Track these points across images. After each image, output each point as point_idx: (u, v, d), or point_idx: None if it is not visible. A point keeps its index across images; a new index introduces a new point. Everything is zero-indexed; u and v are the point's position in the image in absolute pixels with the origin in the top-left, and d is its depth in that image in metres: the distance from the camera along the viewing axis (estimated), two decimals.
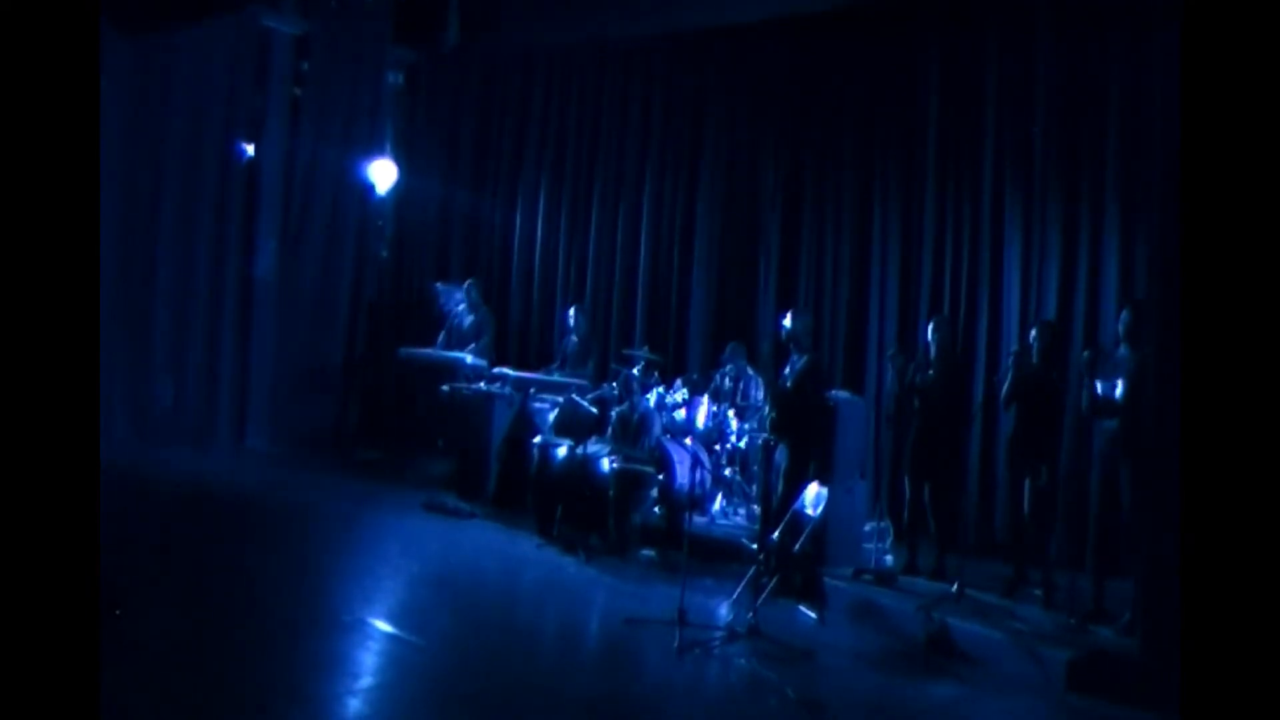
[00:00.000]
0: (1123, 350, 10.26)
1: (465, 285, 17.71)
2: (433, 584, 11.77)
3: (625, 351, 15.82)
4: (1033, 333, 11.46)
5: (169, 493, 14.52)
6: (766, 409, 12.82)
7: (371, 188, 19.19)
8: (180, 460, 16.59)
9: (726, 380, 14.33)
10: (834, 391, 12.94)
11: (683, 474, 12.99)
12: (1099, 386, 10.29)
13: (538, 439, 14.29)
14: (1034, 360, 11.17)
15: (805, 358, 12.36)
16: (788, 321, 12.82)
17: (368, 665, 9.03)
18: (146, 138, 16.99)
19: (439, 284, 18.69)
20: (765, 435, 12.78)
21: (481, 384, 16.01)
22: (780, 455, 12.26)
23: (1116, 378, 10.11)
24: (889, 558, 12.23)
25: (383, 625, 9.83)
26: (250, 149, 18.27)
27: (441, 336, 17.59)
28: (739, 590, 10.90)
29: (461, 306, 17.67)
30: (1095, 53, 12.68)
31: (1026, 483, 11.02)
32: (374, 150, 19.17)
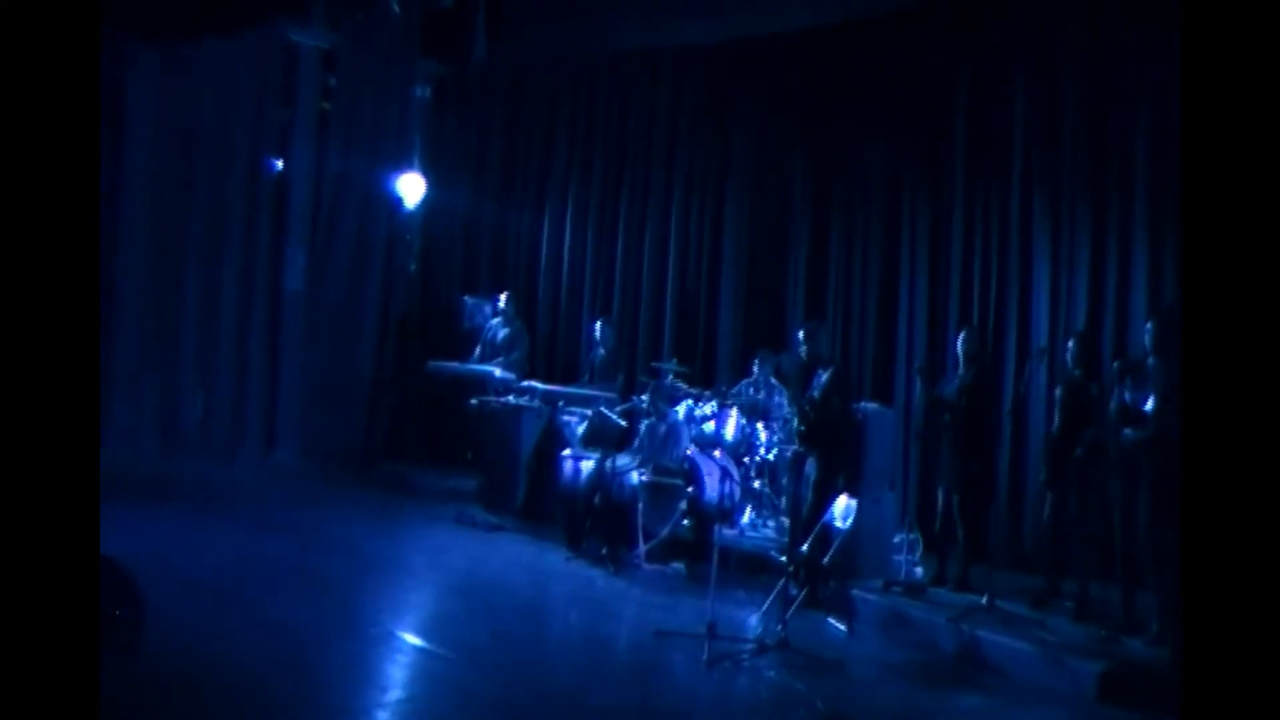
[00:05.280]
0: (1152, 361, 10.22)
1: (500, 298, 17.71)
2: (461, 596, 11.79)
3: (653, 364, 15.80)
4: (1069, 344, 11.45)
5: (197, 505, 14.52)
6: (794, 421, 12.79)
7: (399, 201, 19.20)
8: (209, 473, 16.63)
9: (755, 392, 14.31)
10: (862, 403, 12.93)
11: (711, 486, 12.97)
12: (1128, 396, 10.24)
13: (566, 451, 14.29)
14: (1073, 371, 11.17)
15: (830, 370, 12.34)
16: (803, 336, 12.82)
17: (396, 678, 9.05)
18: (175, 152, 17.09)
19: (467, 297, 18.71)
20: (794, 447, 12.74)
21: (510, 397, 16.02)
22: (809, 467, 12.23)
23: (1148, 388, 10.07)
24: (919, 569, 12.18)
25: (411, 638, 9.84)
26: (279, 163, 18.35)
27: (477, 350, 17.60)
28: (768, 602, 10.87)
29: (496, 320, 17.69)
30: (1125, 60, 12.62)
31: (1068, 494, 10.99)
32: (402, 164, 19.18)
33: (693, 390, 14.76)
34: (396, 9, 17.00)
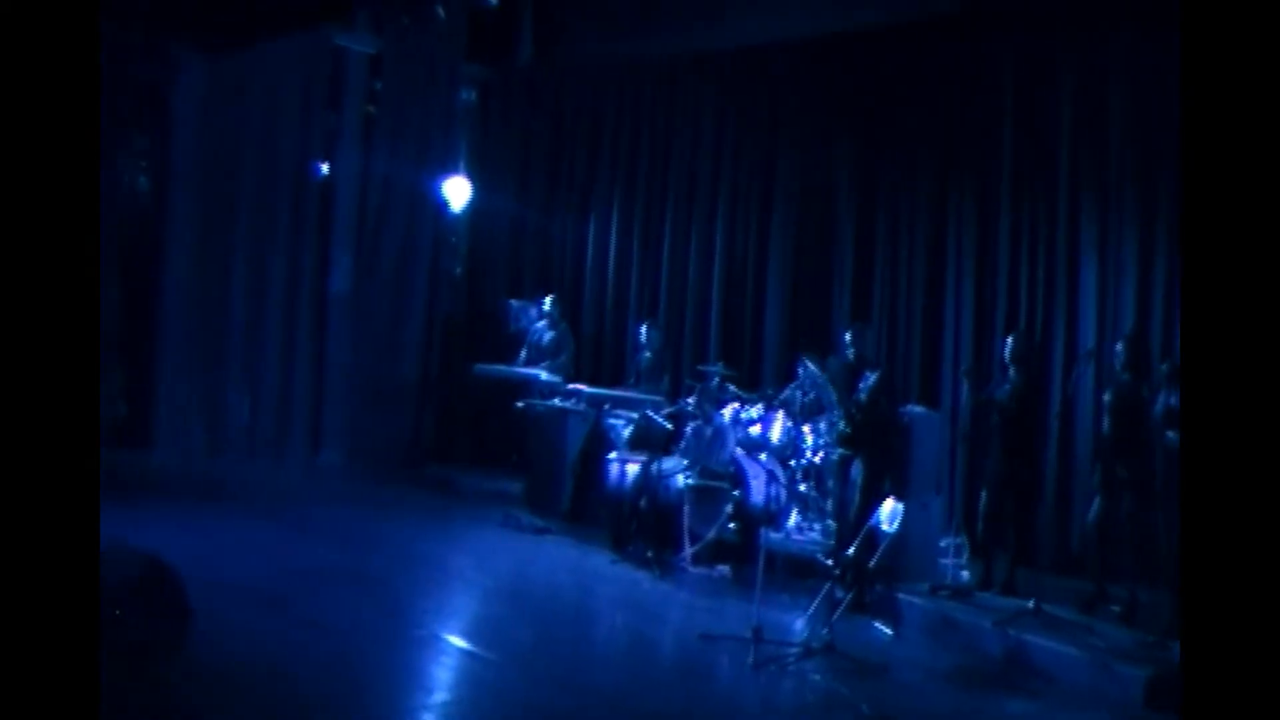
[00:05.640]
0: None
1: (545, 301, 17.75)
2: (507, 599, 11.81)
3: (699, 367, 15.78)
4: (1117, 346, 11.39)
5: (244, 506, 14.57)
6: (840, 424, 12.76)
7: (445, 205, 19.24)
8: (256, 474, 16.69)
9: (801, 395, 14.27)
10: (909, 406, 12.89)
11: (758, 489, 12.95)
12: (1174, 399, 10.19)
13: (612, 455, 14.29)
14: (1121, 374, 11.12)
15: (877, 373, 12.31)
16: (849, 339, 12.80)
17: (442, 680, 9.07)
18: (222, 157, 17.13)
19: (512, 300, 18.73)
20: (839, 450, 12.72)
21: (556, 400, 16.03)
22: (856, 470, 12.20)
23: None
24: (965, 573, 12.14)
25: (456, 640, 9.86)
26: (325, 167, 18.40)
27: (522, 353, 17.63)
28: (814, 606, 10.83)
29: (541, 323, 17.72)
30: (1172, 60, 12.51)
31: (1116, 497, 10.93)
32: (448, 167, 19.21)
33: (744, 393, 14.75)
34: (441, 13, 17.04)
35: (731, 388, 14.91)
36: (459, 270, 20.23)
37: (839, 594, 10.88)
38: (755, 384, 15.37)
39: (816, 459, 13.96)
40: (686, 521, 13.11)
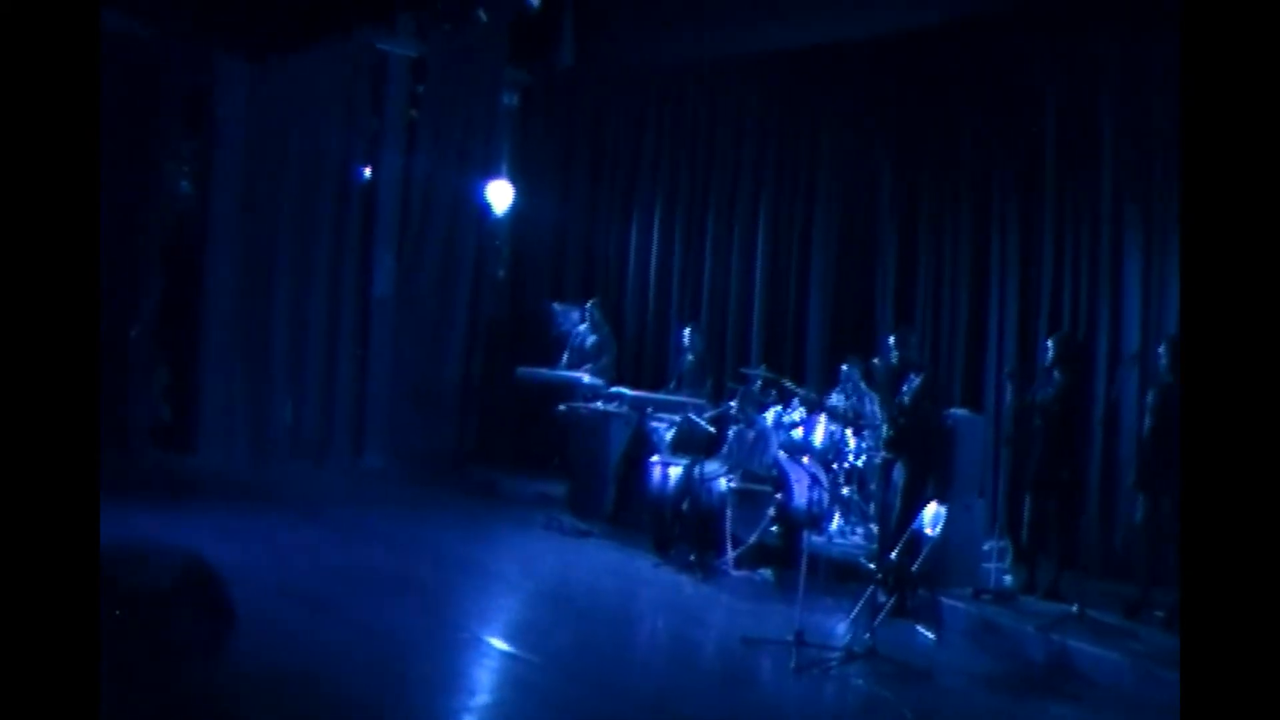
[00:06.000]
0: None
1: (587, 305, 17.77)
2: (549, 602, 11.81)
3: (742, 370, 15.77)
4: (1161, 348, 11.33)
5: (288, 509, 14.62)
6: (883, 427, 12.74)
7: (488, 208, 19.29)
8: (299, 477, 16.76)
9: (843, 398, 14.25)
10: (952, 409, 12.85)
11: (800, 493, 12.90)
12: None
13: (655, 458, 14.29)
14: (1165, 376, 11.06)
15: (921, 375, 12.28)
16: (893, 343, 12.79)
17: (484, 683, 9.09)
18: (265, 161, 17.20)
19: (555, 304, 18.79)
20: (882, 453, 12.69)
21: (599, 403, 16.04)
22: (898, 473, 12.17)
23: None
24: (1008, 577, 12.10)
25: (499, 643, 9.87)
26: (368, 171, 18.47)
27: (564, 356, 17.66)
28: (856, 610, 10.80)
29: (583, 326, 17.75)
30: None
31: (1160, 500, 10.86)
32: (490, 171, 19.27)
33: (799, 389, 14.74)
34: (483, 17, 17.07)
35: (793, 383, 14.89)
36: (502, 274, 20.29)
37: (881, 598, 10.85)
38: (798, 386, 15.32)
39: (859, 462, 13.94)
40: (729, 525, 13.10)
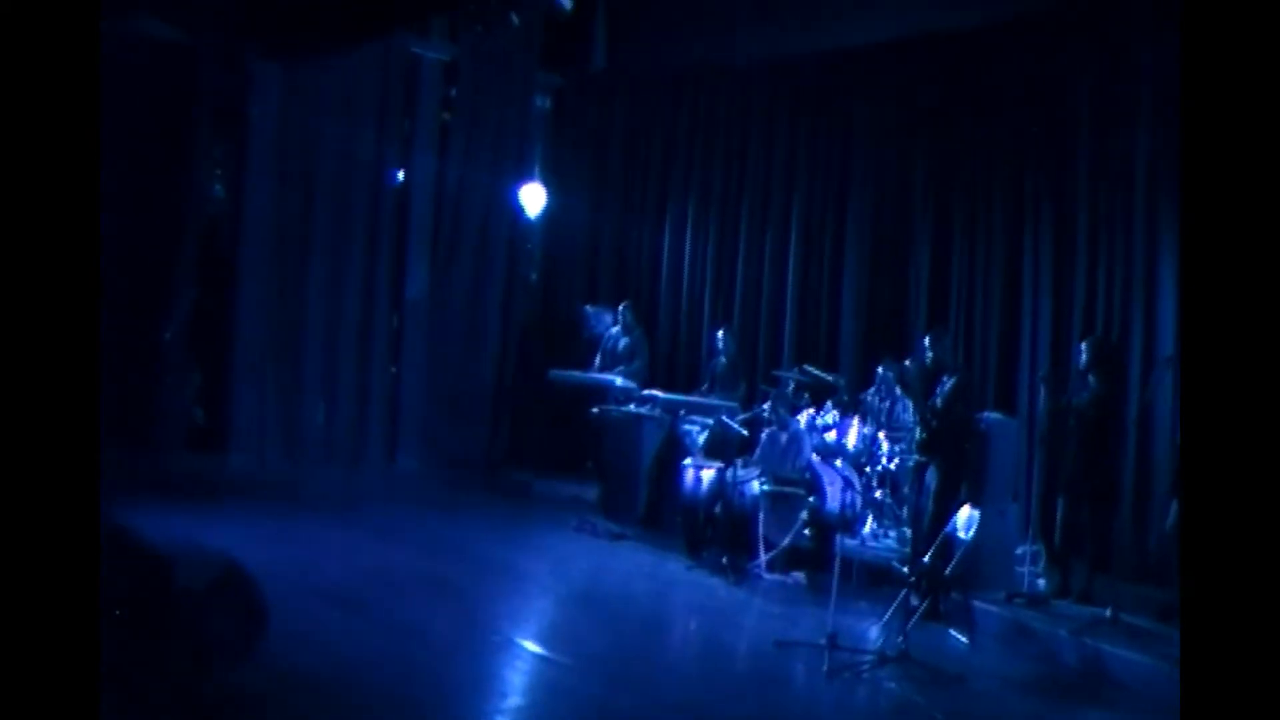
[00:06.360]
0: None
1: (620, 308, 17.79)
2: (581, 605, 11.82)
3: (775, 372, 15.76)
4: None
5: (321, 511, 14.65)
6: (917, 431, 12.71)
7: (521, 211, 19.32)
8: (332, 479, 16.80)
9: (877, 401, 14.22)
10: (986, 412, 12.82)
11: (833, 496, 12.88)
12: None
13: (687, 461, 14.28)
14: None
15: (954, 378, 12.26)
16: (928, 344, 12.77)
17: (516, 685, 9.09)
18: (299, 164, 17.24)
19: (588, 306, 18.81)
20: (915, 456, 12.67)
21: (631, 406, 16.05)
22: (931, 477, 12.15)
23: None
24: (1041, 581, 12.05)
25: (531, 645, 9.88)
26: (400, 174, 18.50)
27: (597, 359, 17.68)
28: (889, 613, 10.79)
29: (616, 329, 17.77)
30: None
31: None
32: (523, 174, 19.31)
33: (829, 376, 14.75)
34: (516, 20, 17.07)
35: (807, 394, 14.89)
36: (534, 276, 20.32)
37: (914, 601, 10.83)
38: (831, 390, 15.27)
39: (892, 465, 13.92)
40: (761, 528, 13.10)
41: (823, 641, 9.67)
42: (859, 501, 13.06)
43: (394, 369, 18.46)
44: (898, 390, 14.12)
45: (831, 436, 14.18)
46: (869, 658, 9.88)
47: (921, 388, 12.76)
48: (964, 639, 10.85)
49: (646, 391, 16.46)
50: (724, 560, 13.04)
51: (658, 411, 15.66)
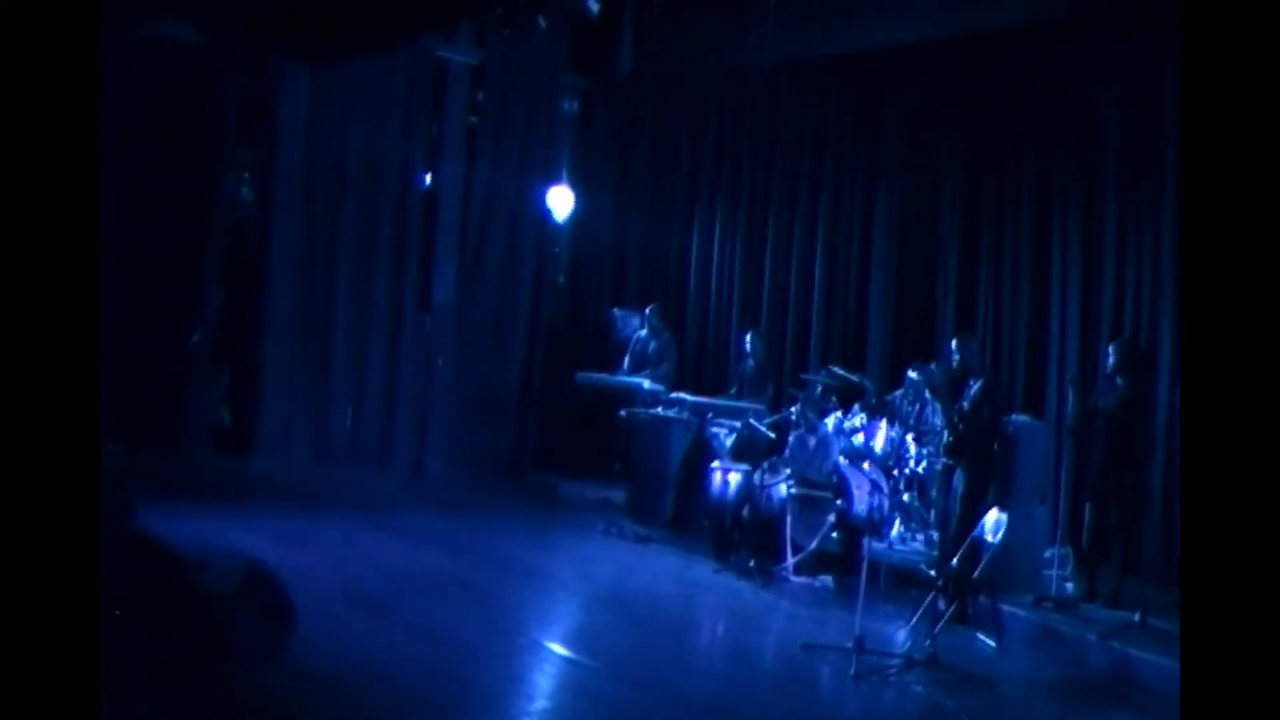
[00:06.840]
0: None
1: (647, 310, 17.80)
2: (608, 607, 11.82)
3: (802, 375, 15.75)
4: None
5: (348, 513, 14.67)
6: (944, 434, 12.69)
7: (548, 214, 19.34)
8: (359, 481, 16.82)
9: (905, 405, 14.20)
10: (1013, 415, 12.79)
11: (860, 499, 12.87)
12: None
13: (715, 463, 14.25)
14: None
15: (981, 381, 12.22)
16: (955, 347, 12.75)
17: (543, 688, 9.10)
18: (325, 167, 17.29)
19: (616, 309, 18.82)
20: (943, 459, 12.65)
21: (659, 409, 16.06)
22: (958, 480, 12.12)
23: None
24: (1069, 585, 12.01)
25: (558, 648, 9.89)
26: (428, 177, 18.53)
27: (625, 362, 17.69)
28: (917, 617, 10.78)
29: (643, 332, 17.78)
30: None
31: None
32: (550, 177, 19.33)
33: (855, 375, 14.75)
34: (543, 24, 17.08)
35: (834, 397, 14.89)
36: (562, 279, 20.33)
37: (942, 605, 10.82)
38: (858, 393, 15.25)
39: (920, 468, 13.89)
40: (789, 531, 13.09)
41: (850, 645, 9.64)
42: (886, 505, 13.03)
43: (422, 372, 18.48)
44: (926, 394, 14.10)
45: (859, 439, 14.16)
46: (896, 661, 9.87)
47: (949, 391, 12.74)
48: (991, 643, 10.81)
49: (674, 394, 16.46)
50: (751, 563, 13.03)
51: (685, 414, 15.66)
